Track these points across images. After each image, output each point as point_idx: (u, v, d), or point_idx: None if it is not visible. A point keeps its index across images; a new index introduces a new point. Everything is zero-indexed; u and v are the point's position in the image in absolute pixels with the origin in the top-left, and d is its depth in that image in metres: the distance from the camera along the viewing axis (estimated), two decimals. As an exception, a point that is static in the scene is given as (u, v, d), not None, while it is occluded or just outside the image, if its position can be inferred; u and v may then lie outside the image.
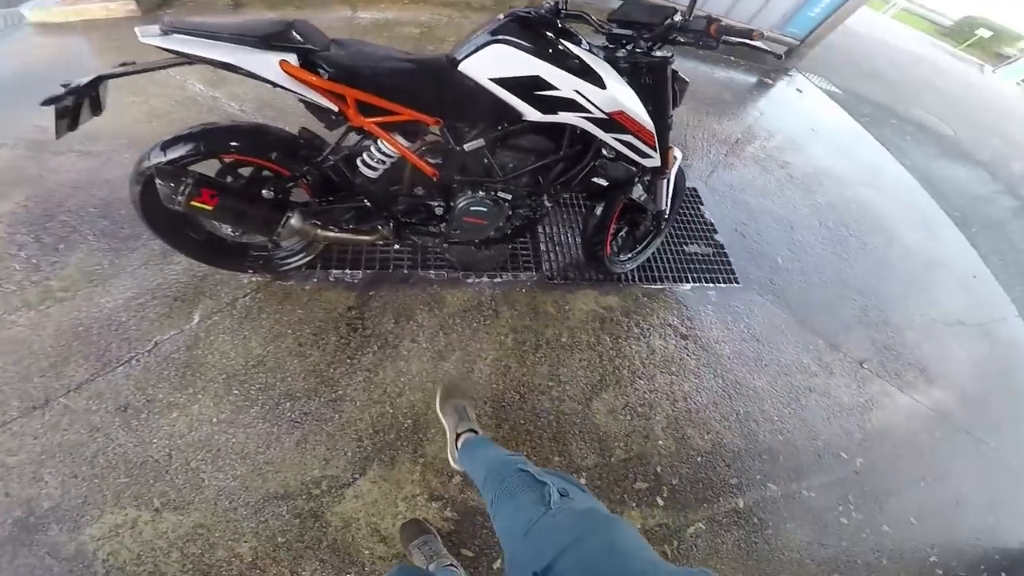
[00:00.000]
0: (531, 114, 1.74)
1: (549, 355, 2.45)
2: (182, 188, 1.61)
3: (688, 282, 3.04)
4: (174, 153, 1.68)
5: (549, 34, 1.66)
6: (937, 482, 2.72)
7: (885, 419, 2.87)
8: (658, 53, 1.80)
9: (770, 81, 6.18)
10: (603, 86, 1.71)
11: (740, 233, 3.58)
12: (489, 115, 1.80)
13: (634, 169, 2.13)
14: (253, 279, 2.30)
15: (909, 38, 14.27)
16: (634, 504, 2.13)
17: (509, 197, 2.07)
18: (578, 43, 1.70)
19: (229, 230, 2.04)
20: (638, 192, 2.31)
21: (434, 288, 2.52)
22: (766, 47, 1.75)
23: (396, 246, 2.21)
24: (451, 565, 1.68)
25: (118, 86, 1.60)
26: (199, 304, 2.19)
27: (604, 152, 2.00)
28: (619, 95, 1.75)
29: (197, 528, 1.70)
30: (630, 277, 2.91)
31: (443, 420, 2.02)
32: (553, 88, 1.68)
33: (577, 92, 1.70)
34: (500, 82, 1.67)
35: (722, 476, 2.33)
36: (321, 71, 1.56)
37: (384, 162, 1.89)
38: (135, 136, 1.73)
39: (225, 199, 1.71)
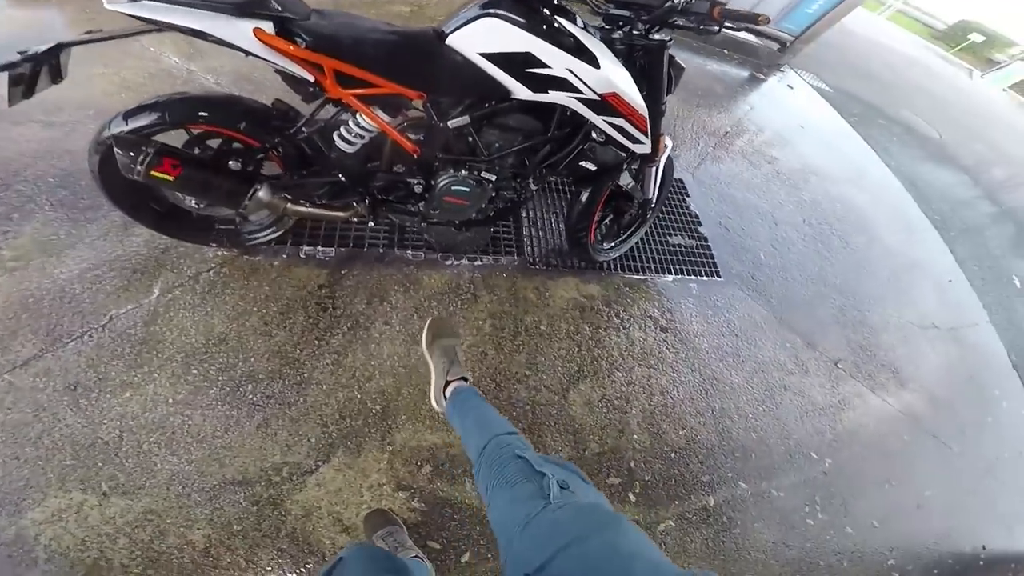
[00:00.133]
0: (520, 92, 1.65)
1: (527, 343, 2.37)
2: (141, 157, 1.52)
3: (670, 274, 2.97)
4: (137, 122, 1.58)
5: (543, 10, 1.57)
6: (901, 485, 2.72)
7: (856, 420, 2.86)
8: (656, 36, 1.71)
9: (762, 76, 6.12)
10: (597, 66, 1.63)
11: (724, 227, 3.53)
12: (476, 92, 1.71)
13: (623, 155, 2.06)
14: (218, 253, 2.18)
15: (903, 40, 14.36)
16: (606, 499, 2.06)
17: (493, 178, 1.97)
18: (573, 21, 1.61)
19: (193, 202, 1.92)
20: (626, 179, 2.24)
21: (410, 269, 2.42)
22: (772, 33, 1.67)
23: (372, 224, 2.10)
24: (417, 557, 1.61)
25: (89, 57, 1.49)
26: (159, 277, 2.07)
27: (594, 135, 1.92)
28: (613, 76, 1.67)
29: (147, 514, 1.60)
30: (613, 266, 2.84)
31: (429, 360, 1.93)
32: (545, 66, 1.59)
33: (570, 71, 1.61)
34: (489, 57, 1.58)
35: (695, 473, 2.28)
36: (299, 40, 1.45)
37: (363, 136, 1.79)
38: (103, 107, 1.62)
39: (188, 169, 1.61)
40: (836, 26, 6.12)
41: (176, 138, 1.64)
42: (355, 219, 2.05)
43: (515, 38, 1.55)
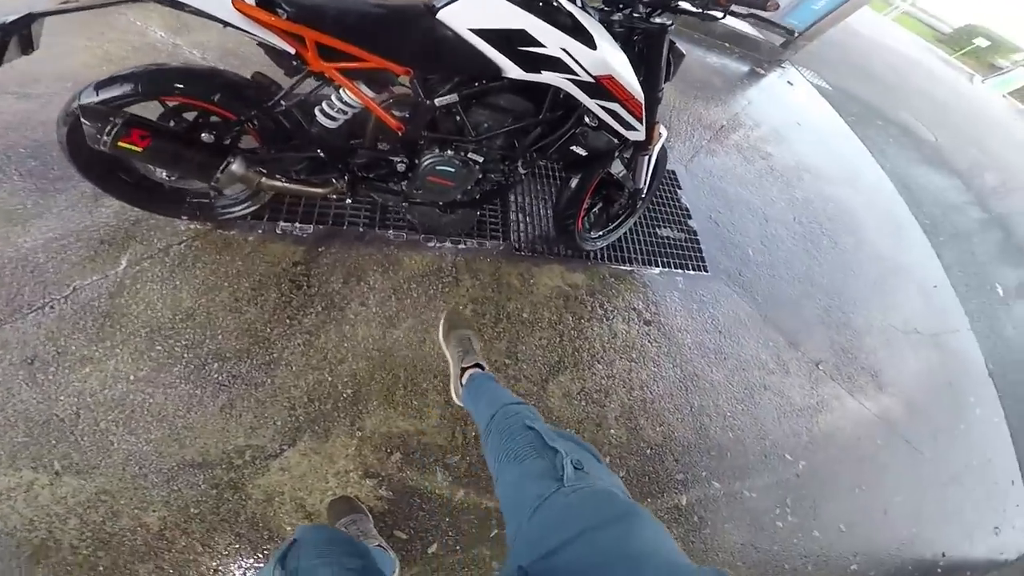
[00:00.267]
0: (512, 71, 1.57)
1: (509, 330, 2.31)
2: (108, 128, 1.45)
3: (657, 266, 2.91)
4: (108, 93, 1.51)
5: None
6: (870, 489, 2.70)
7: (832, 423, 2.83)
8: (657, 19, 1.63)
9: (762, 71, 6.03)
10: (594, 46, 1.55)
11: (714, 221, 3.46)
12: (466, 69, 1.62)
13: (616, 141, 1.96)
14: (191, 226, 2.09)
15: (907, 42, 14.25)
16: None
17: (480, 159, 1.90)
18: (573, 1, 1.53)
19: (164, 174, 1.84)
20: (617, 167, 2.16)
21: (391, 249, 2.34)
22: (779, 22, 1.60)
23: (350, 201, 2.01)
24: (380, 546, 1.56)
25: (71, 29, 1.42)
26: (128, 249, 1.98)
27: (587, 119, 1.84)
28: (610, 58, 1.59)
29: (100, 494, 1.53)
30: (599, 255, 2.77)
31: (446, 352, 1.89)
32: (539, 44, 1.52)
33: (564, 51, 1.53)
34: (481, 34, 1.50)
35: (669, 471, 2.24)
36: (280, 10, 1.37)
37: (345, 112, 1.71)
38: (82, 80, 1.54)
39: (157, 141, 1.54)
40: (840, 25, 6.04)
41: (153, 111, 1.57)
42: (334, 196, 1.95)
43: (509, 14, 1.48)
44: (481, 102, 1.77)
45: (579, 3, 1.56)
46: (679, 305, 2.81)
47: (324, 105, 1.70)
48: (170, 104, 1.64)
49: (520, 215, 2.72)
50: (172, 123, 1.66)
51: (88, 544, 1.45)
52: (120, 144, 1.47)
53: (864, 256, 4.11)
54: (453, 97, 1.68)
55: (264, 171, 1.81)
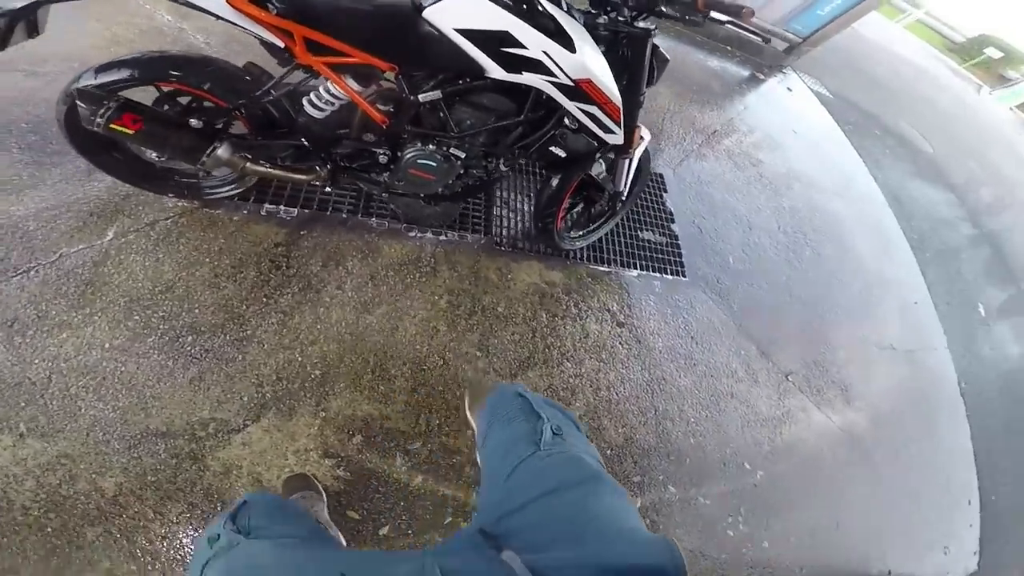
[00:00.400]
0: (494, 71, 1.56)
1: (482, 323, 2.30)
2: (102, 111, 1.49)
3: (636, 268, 2.89)
4: (106, 77, 1.54)
5: None
6: (826, 503, 2.66)
7: (796, 434, 2.79)
8: (640, 24, 1.61)
9: (762, 77, 5.87)
10: (573, 50, 1.54)
11: (697, 227, 3.41)
12: (450, 67, 1.62)
13: (595, 143, 1.95)
14: (179, 204, 2.10)
15: (915, 50, 13.63)
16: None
17: (462, 155, 1.89)
18: (557, 3, 1.52)
19: (154, 155, 1.83)
20: (598, 169, 2.14)
21: (372, 236, 2.33)
22: (755, 29, 1.57)
23: (329, 188, 2.02)
24: (326, 528, 1.56)
25: (82, 11, 1.44)
26: (116, 222, 1.99)
27: (566, 121, 1.83)
28: (589, 62, 1.58)
29: (61, 458, 1.54)
30: (578, 255, 2.75)
31: (472, 423, 1.85)
32: (521, 46, 1.51)
33: (545, 53, 1.52)
34: (466, 33, 1.49)
35: (627, 472, 2.23)
36: (270, 6, 1.38)
37: (332, 104, 1.71)
38: (89, 61, 1.54)
39: (148, 125, 1.57)
40: (847, 31, 5.86)
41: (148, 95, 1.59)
42: (316, 183, 1.95)
43: (493, 15, 1.47)
44: (464, 100, 1.76)
45: (564, 6, 1.54)
46: (654, 309, 2.79)
47: (312, 96, 1.70)
48: (165, 89, 1.66)
49: (503, 210, 2.70)
50: (166, 107, 1.67)
51: (41, 506, 1.47)
52: (112, 127, 1.50)
53: (847, 269, 4.02)
54: (437, 94, 1.67)
55: (249, 156, 1.81)
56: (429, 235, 2.43)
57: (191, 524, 1.56)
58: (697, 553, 2.19)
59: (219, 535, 0.81)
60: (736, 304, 3.11)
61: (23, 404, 1.57)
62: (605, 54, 1.63)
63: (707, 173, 3.91)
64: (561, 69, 1.56)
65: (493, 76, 1.57)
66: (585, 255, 2.76)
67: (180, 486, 1.60)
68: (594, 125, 1.79)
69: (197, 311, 1.91)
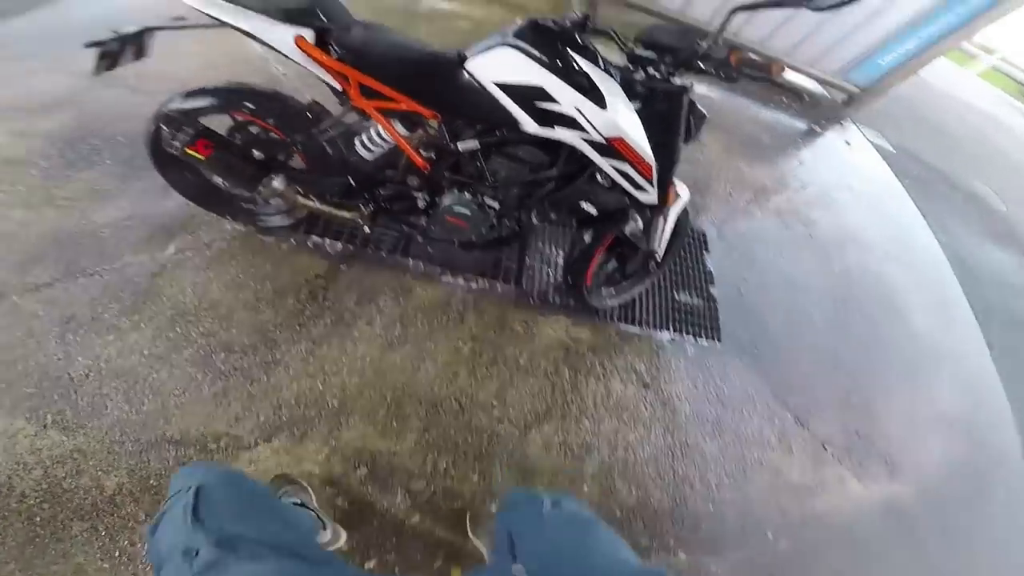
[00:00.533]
0: (528, 125, 1.57)
1: (502, 373, 2.25)
2: (181, 136, 1.63)
3: (669, 331, 2.75)
4: (191, 103, 1.68)
5: (561, 45, 1.49)
6: None
7: (828, 504, 2.49)
8: (677, 80, 1.57)
9: (818, 129, 5.44)
10: (605, 107, 1.52)
11: (738, 289, 3.20)
12: (488, 118, 1.64)
13: (628, 201, 1.88)
14: (236, 228, 2.21)
15: (991, 98, 12.07)
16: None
17: (496, 205, 1.89)
18: (594, 60, 1.52)
19: (220, 180, 1.98)
20: (632, 226, 2.06)
21: (406, 278, 2.36)
22: (789, 83, 1.50)
23: (367, 229, 2.05)
24: (319, 516, 1.54)
25: (189, 36, 1.59)
26: (178, 238, 2.12)
27: (598, 178, 1.78)
28: (621, 120, 1.55)
29: (74, 452, 1.59)
30: (609, 314, 2.65)
31: (476, 542, 1.81)
32: (554, 102, 1.51)
33: (577, 110, 1.51)
34: (503, 87, 1.51)
35: (635, 535, 2.07)
36: (332, 51, 1.50)
37: (380, 146, 1.77)
38: (186, 82, 1.70)
39: (217, 152, 1.70)
40: (912, 79, 5.39)
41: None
42: (359, 221, 2.00)
43: (529, 71, 1.48)
44: (500, 151, 1.78)
45: (602, 63, 1.53)
46: (684, 373, 2.64)
47: (363, 136, 1.77)
48: (238, 119, 1.78)
49: (536, 262, 2.67)
50: (237, 136, 1.79)
51: (39, 495, 1.51)
52: (187, 151, 1.64)
53: (901, 338, 3.59)
54: (475, 144, 1.70)
55: (301, 190, 1.90)
56: (461, 281, 2.43)
57: None
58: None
59: (197, 550, 0.75)
60: (774, 371, 2.88)
61: (56, 397, 1.65)
62: (641, 110, 1.59)
63: (753, 232, 3.67)
64: (593, 126, 1.54)
65: (527, 130, 1.58)
66: (616, 314, 2.67)
67: None
68: (626, 183, 1.74)
69: (234, 330, 1.97)
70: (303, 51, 1.47)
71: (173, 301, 1.96)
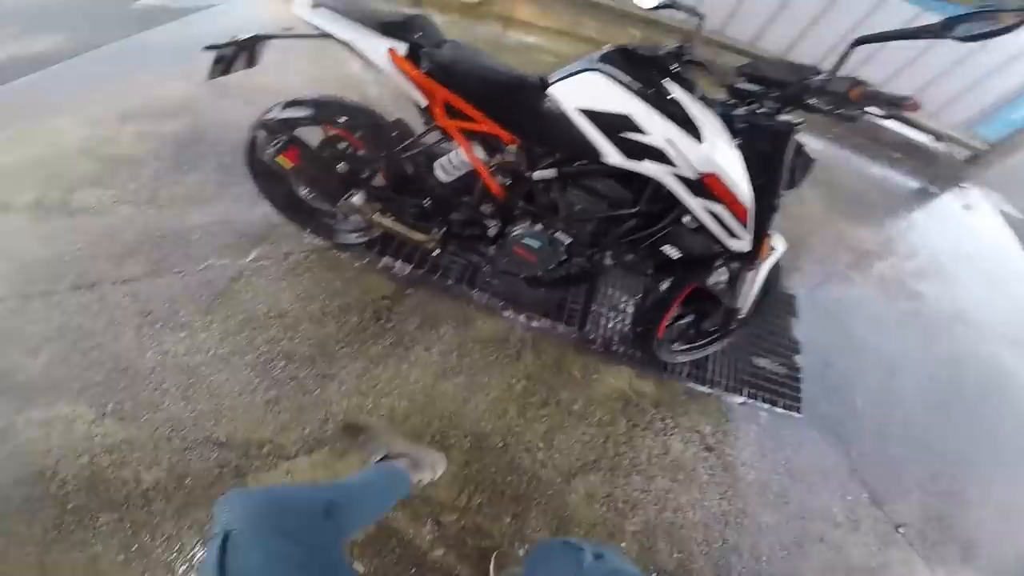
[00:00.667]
0: (612, 156, 1.44)
1: (553, 417, 2.10)
2: (275, 143, 1.67)
3: (742, 395, 2.48)
4: (289, 113, 1.72)
5: (654, 73, 1.38)
6: None
7: None
8: (783, 117, 1.38)
9: (934, 190, 4.74)
10: (700, 140, 1.36)
11: (826, 362, 2.83)
12: (567, 147, 1.54)
13: (716, 248, 1.66)
14: (314, 241, 2.23)
15: None
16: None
17: (568, 240, 1.77)
18: (690, 91, 1.38)
19: (304, 191, 1.98)
20: (716, 279, 1.83)
21: (469, 308, 2.27)
22: (921, 123, 1.29)
23: (435, 253, 2.00)
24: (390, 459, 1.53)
25: (300, 52, 1.66)
26: (259, 246, 2.17)
27: (685, 219, 1.59)
28: (717, 155, 1.38)
29: (123, 443, 1.60)
30: (677, 369, 2.42)
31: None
32: (642, 132, 1.38)
33: (669, 142, 1.37)
34: (587, 114, 1.41)
35: (671, 601, 1.85)
36: (422, 66, 1.49)
37: (458, 170, 1.73)
38: (291, 94, 1.79)
39: (304, 162, 1.73)
40: None
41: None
42: (428, 244, 1.95)
43: (616, 98, 1.37)
44: (578, 183, 1.65)
45: (700, 94, 1.40)
46: (753, 440, 2.36)
47: (443, 159, 1.74)
48: (329, 133, 1.80)
49: (604, 307, 2.50)
50: (327, 149, 1.80)
51: (79, 483, 1.51)
52: (278, 158, 1.68)
53: (1007, 427, 3.02)
54: (552, 173, 1.60)
55: (378, 207, 1.88)
56: (522, 319, 2.31)
57: (200, 533, 1.51)
58: None
59: None
60: (855, 449, 2.52)
61: (120, 388, 1.68)
62: (740, 148, 1.41)
63: (850, 301, 3.25)
64: (686, 160, 1.39)
65: (610, 161, 1.45)
66: (685, 371, 2.44)
67: (212, 495, 1.57)
68: (717, 226, 1.54)
69: (296, 341, 1.96)
70: (395, 64, 1.47)
71: (245, 306, 1.98)
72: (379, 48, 1.47)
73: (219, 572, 0.74)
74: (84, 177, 2.28)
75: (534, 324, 2.32)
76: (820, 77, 1.28)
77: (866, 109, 1.22)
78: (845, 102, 1.22)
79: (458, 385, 2.04)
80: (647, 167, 1.44)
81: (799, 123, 1.39)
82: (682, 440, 2.23)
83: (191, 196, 2.24)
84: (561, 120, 1.44)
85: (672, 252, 1.74)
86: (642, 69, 1.39)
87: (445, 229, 1.92)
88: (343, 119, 1.75)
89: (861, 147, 4.73)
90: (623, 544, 1.88)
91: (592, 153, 1.46)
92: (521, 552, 1.73)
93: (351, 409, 1.86)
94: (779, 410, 2.49)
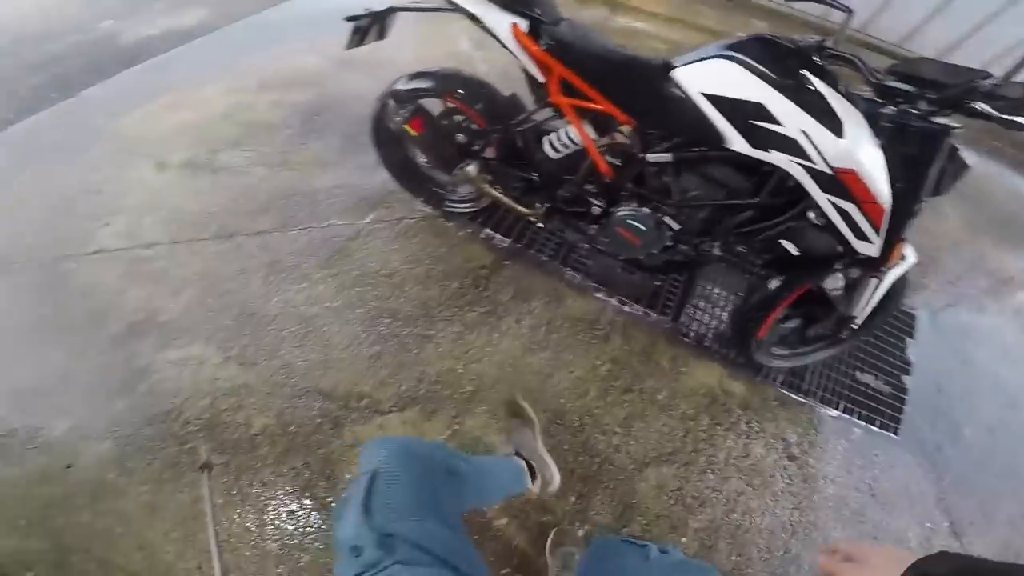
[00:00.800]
0: (738, 144, 1.36)
1: (635, 403, 2.05)
2: (403, 111, 1.74)
3: (837, 408, 2.27)
4: (415, 84, 1.80)
5: (795, 64, 1.27)
6: None
7: None
8: (939, 120, 1.21)
9: None
10: (840, 135, 1.25)
11: (938, 387, 2.51)
12: (688, 131, 1.48)
13: (839, 249, 1.50)
14: (425, 209, 2.29)
15: None
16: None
17: (676, 226, 1.70)
18: (832, 85, 1.27)
19: (422, 159, 2.05)
20: (833, 283, 1.65)
21: (561, 285, 2.25)
22: None
23: (540, 226, 2.07)
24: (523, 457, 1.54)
25: (417, 31, 1.70)
26: (376, 210, 2.27)
27: (811, 215, 1.45)
28: (858, 151, 1.25)
29: (242, 387, 1.72)
30: (773, 374, 2.24)
31: (549, 562, 1.67)
32: (775, 122, 1.29)
33: (803, 133, 1.27)
34: (713, 100, 1.34)
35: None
36: (541, 42, 1.49)
37: (568, 147, 1.71)
38: (406, 70, 1.86)
39: (426, 130, 1.79)
40: None
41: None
42: (532, 219, 1.97)
43: (749, 86, 1.29)
44: (694, 169, 1.58)
45: (842, 88, 1.28)
46: (840, 455, 2.17)
47: (552, 136, 1.72)
48: (448, 105, 1.84)
49: (701, 301, 2.36)
50: (446, 121, 1.85)
51: (201, 423, 1.62)
52: (404, 126, 1.75)
53: None
54: (667, 156, 1.54)
55: (489, 179, 1.91)
56: (614, 302, 2.24)
57: (295, 480, 1.59)
58: None
59: (362, 548, 0.73)
60: (948, 478, 2.24)
61: (246, 332, 1.83)
62: (882, 148, 1.27)
63: (979, 328, 2.84)
64: (820, 153, 1.27)
65: (734, 149, 1.37)
66: (781, 377, 2.26)
67: (309, 444, 1.65)
68: (846, 226, 1.39)
69: (402, 300, 2.04)
70: (516, 39, 1.48)
71: (359, 264, 2.09)
72: (503, 23, 1.48)
73: (365, 507, 0.78)
74: (227, 140, 2.48)
75: (626, 309, 2.24)
76: (990, 80, 1.11)
77: None
78: (1018, 108, 1.05)
79: (543, 360, 2.04)
80: (775, 157, 1.34)
81: (957, 127, 1.21)
82: (764, 445, 2.10)
83: (317, 161, 2.37)
84: (684, 104, 1.37)
85: (791, 248, 1.60)
86: (781, 60, 1.29)
87: (549, 205, 1.91)
88: (462, 92, 1.77)
89: (1017, 163, 4.01)
90: (683, 540, 1.83)
91: (715, 139, 1.38)
92: (581, 533, 1.73)
93: (444, 371, 1.92)
94: (875, 428, 2.26)
